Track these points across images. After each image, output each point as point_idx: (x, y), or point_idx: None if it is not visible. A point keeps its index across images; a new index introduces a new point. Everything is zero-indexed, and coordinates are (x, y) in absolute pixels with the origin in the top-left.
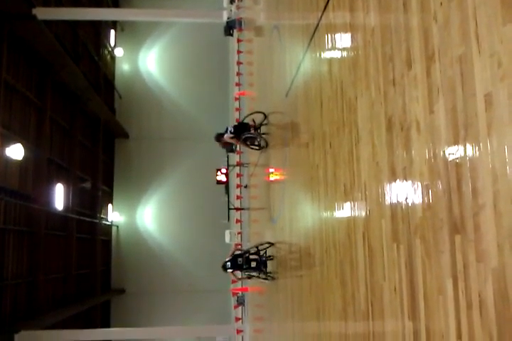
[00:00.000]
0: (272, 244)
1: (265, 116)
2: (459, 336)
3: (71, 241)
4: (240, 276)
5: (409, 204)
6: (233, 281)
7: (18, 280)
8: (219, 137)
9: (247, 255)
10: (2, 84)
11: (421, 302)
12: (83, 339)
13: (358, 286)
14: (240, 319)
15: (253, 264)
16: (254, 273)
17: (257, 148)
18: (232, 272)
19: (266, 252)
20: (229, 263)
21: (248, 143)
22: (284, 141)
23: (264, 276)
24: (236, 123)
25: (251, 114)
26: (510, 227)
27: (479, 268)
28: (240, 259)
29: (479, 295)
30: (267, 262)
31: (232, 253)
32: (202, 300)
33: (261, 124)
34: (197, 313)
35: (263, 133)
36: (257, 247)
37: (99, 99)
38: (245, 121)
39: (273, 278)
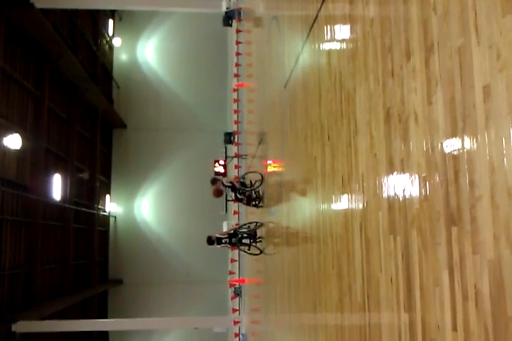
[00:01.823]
0: (261, 224)
1: (262, 178)
2: (455, 327)
3: (68, 232)
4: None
5: (407, 196)
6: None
7: (15, 270)
8: (214, 181)
9: (239, 235)
10: None
11: (417, 294)
12: (81, 329)
13: (354, 278)
14: (237, 310)
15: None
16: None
17: (253, 205)
18: (222, 246)
19: (255, 231)
20: (223, 240)
21: (243, 198)
22: (282, 134)
23: (254, 248)
24: (230, 184)
25: (248, 173)
26: (506, 219)
27: (475, 260)
28: (233, 239)
29: (475, 287)
30: (257, 236)
31: (227, 232)
32: (199, 291)
33: (258, 186)
34: (194, 304)
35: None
36: (249, 226)
37: (97, 89)
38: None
39: (261, 251)
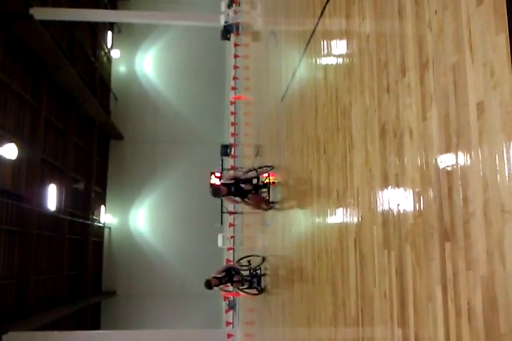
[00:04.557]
0: (263, 259)
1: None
2: None
3: (63, 242)
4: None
5: (401, 211)
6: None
7: (8, 280)
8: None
9: (239, 271)
10: None
11: (410, 309)
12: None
13: (348, 292)
14: (231, 323)
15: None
16: (245, 287)
17: (254, 292)
18: (220, 288)
19: (260, 268)
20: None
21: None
22: (278, 147)
23: (256, 291)
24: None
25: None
26: (499, 235)
27: (469, 276)
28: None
29: (468, 303)
30: (261, 277)
31: (223, 270)
32: (193, 303)
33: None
34: (188, 317)
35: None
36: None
37: (94, 101)
38: (244, 259)
39: (262, 292)
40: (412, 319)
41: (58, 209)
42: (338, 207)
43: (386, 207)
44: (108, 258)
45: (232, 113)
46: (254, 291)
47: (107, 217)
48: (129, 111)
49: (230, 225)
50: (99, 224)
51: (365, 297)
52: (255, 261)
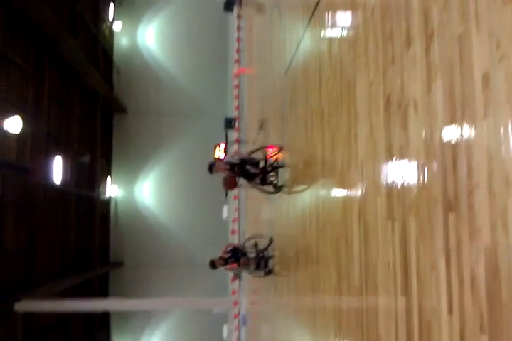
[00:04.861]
0: (271, 240)
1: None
2: (450, 311)
3: (69, 215)
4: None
5: (405, 183)
6: (233, 279)
7: (17, 252)
8: (213, 264)
9: (245, 252)
10: None
11: (414, 279)
12: (83, 308)
13: (352, 262)
14: (236, 292)
15: (251, 255)
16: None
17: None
18: (225, 268)
19: (267, 249)
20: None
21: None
22: (282, 120)
23: (263, 273)
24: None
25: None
26: (503, 206)
27: (472, 246)
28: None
29: (471, 272)
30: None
31: (229, 250)
32: (199, 273)
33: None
34: (194, 286)
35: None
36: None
37: (97, 74)
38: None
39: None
40: (416, 288)
41: (64, 182)
42: (342, 179)
43: (390, 179)
44: (115, 230)
45: (236, 86)
46: (261, 273)
47: (112, 190)
48: (132, 85)
49: (235, 198)
50: (105, 197)
51: (369, 267)
52: (263, 243)
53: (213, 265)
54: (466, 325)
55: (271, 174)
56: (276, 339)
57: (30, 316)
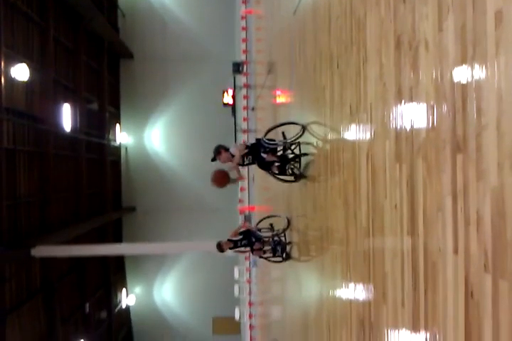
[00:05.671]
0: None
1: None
2: (456, 250)
3: (81, 162)
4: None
5: (414, 125)
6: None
7: (30, 198)
8: (220, 247)
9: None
10: (2, 2)
11: (420, 219)
12: (98, 252)
13: (360, 205)
14: None
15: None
16: (267, 255)
17: (291, 178)
18: (234, 251)
19: (285, 234)
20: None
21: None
22: (291, 63)
23: (279, 258)
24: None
25: (278, 126)
26: (510, 147)
27: (479, 187)
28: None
29: (477, 213)
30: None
31: (240, 233)
32: (210, 218)
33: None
34: (205, 230)
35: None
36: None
37: (102, 18)
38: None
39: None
40: (422, 228)
41: (74, 129)
42: (351, 122)
43: (399, 122)
44: (126, 177)
45: (244, 28)
46: (278, 259)
47: (122, 136)
48: (138, 29)
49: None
50: (115, 144)
51: (376, 208)
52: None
53: (220, 248)
54: (470, 265)
55: (292, 163)
56: (285, 279)
57: (46, 261)
